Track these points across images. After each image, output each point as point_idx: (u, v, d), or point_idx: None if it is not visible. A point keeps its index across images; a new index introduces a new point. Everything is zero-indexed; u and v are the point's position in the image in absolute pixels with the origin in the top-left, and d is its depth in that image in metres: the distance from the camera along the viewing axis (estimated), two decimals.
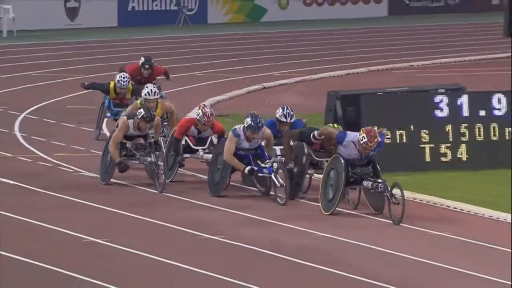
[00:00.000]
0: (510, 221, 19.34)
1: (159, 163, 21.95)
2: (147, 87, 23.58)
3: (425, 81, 34.18)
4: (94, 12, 52.08)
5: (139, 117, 21.69)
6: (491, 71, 39.08)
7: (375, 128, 19.72)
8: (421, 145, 24.66)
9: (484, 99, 25.49)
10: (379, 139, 19.08)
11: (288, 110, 21.86)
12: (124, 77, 25.87)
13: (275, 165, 20.98)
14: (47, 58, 43.50)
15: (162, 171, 21.76)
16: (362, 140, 18.82)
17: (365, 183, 19.07)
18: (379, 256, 17.07)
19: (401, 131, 24.79)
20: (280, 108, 22.09)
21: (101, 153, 22.59)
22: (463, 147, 24.41)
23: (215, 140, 22.66)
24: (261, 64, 42.35)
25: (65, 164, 24.39)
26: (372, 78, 37.25)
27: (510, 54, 40.59)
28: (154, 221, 19.33)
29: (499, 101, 25.48)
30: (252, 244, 17.49)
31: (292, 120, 21.99)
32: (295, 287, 15.70)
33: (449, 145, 24.56)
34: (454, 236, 18.11)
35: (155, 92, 23.63)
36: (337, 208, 19.30)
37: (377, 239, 17.88)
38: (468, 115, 25.09)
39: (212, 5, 52.91)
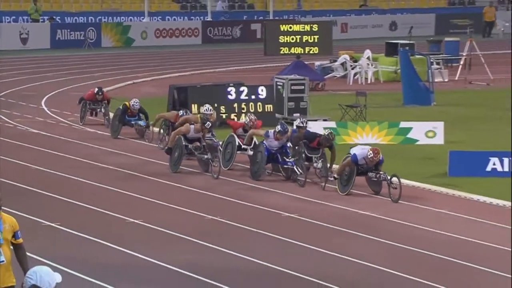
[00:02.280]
0: None
1: (215, 158, 23.28)
2: (204, 105, 25.39)
3: (222, 79, 36.63)
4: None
5: (205, 125, 23.50)
6: (257, 74, 40.11)
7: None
8: (221, 114, 28.89)
9: (254, 89, 30.26)
10: (380, 158, 21.05)
11: (303, 119, 23.78)
12: (136, 102, 27.94)
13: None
14: None
15: (216, 164, 22.95)
16: (369, 155, 20.94)
17: (369, 174, 21.25)
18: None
19: (213, 105, 26.45)
20: (298, 119, 24.05)
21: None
22: (243, 116, 27.62)
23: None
24: (132, 69, 44.78)
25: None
26: (195, 78, 39.12)
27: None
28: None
29: (262, 90, 30.10)
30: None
31: (307, 125, 23.34)
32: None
33: (235, 114, 29.18)
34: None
35: (211, 108, 25.11)
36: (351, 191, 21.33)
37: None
38: (246, 98, 29.87)
39: (104, 37, 54.98)
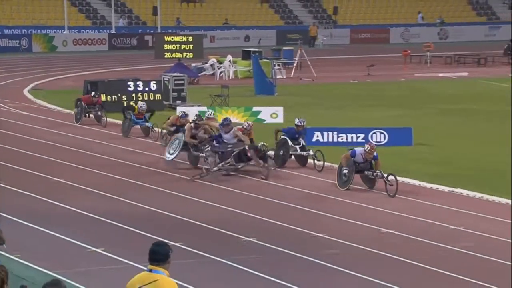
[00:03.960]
0: None
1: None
2: (208, 110, 23.62)
3: (123, 76, 34.90)
4: None
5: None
6: (149, 72, 37.68)
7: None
8: (123, 102, 27.57)
9: (147, 83, 29.17)
10: (375, 154, 17.83)
11: (301, 119, 20.74)
12: (143, 104, 24.82)
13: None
14: None
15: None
16: (367, 149, 17.81)
17: (366, 172, 17.95)
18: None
19: (117, 95, 28.23)
20: (296, 118, 20.95)
21: None
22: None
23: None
24: (56, 69, 43.37)
25: None
26: (103, 75, 37.35)
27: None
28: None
29: (153, 84, 29.26)
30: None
31: (304, 124, 20.74)
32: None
33: (134, 101, 27.24)
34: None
35: (213, 113, 22.80)
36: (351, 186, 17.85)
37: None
38: (141, 89, 28.99)
39: (34, 44, 54.17)
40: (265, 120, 27.19)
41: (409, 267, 12.92)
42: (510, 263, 12.75)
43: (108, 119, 26.05)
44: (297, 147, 20.37)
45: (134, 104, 25.50)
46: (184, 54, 35.83)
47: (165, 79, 31.08)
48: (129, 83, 29.81)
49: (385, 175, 17.56)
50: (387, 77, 40.06)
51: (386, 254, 13.47)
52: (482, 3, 65.55)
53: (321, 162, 19.65)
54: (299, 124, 20.61)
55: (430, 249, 13.80)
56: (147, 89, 29.76)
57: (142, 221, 15.23)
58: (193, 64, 40.61)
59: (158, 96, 29.93)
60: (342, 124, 24.46)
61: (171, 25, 59.57)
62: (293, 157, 20.48)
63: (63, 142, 23.61)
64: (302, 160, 20.48)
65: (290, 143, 20.32)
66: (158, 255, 7.43)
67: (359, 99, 32.53)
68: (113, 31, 58.09)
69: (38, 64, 46.52)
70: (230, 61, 41.25)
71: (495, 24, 62.94)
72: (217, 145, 19.51)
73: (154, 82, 30.19)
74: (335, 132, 22.79)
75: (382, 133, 22.60)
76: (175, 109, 27.34)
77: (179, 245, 13.23)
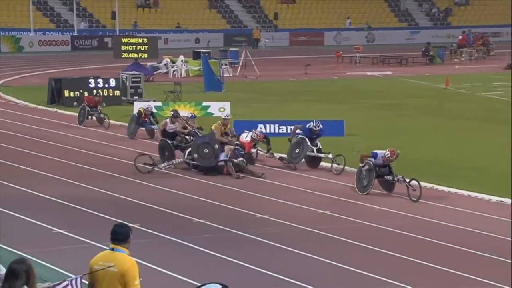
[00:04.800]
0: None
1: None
2: (225, 111, 22.34)
3: (85, 74, 33.67)
4: None
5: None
6: (109, 70, 34.20)
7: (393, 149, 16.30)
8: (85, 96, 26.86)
9: (107, 80, 28.98)
10: (396, 155, 16.06)
11: (317, 122, 18.60)
12: (149, 106, 23.11)
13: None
14: None
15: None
16: (387, 155, 16.02)
17: (386, 177, 16.12)
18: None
19: (79, 91, 27.80)
20: (312, 122, 18.71)
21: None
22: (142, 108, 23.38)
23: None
24: (23, 67, 42.59)
25: None
26: (67, 73, 36.18)
27: None
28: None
29: (112, 81, 29.02)
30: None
31: (320, 127, 18.55)
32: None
33: (94, 96, 26.00)
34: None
35: (229, 115, 20.35)
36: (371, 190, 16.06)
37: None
38: (101, 86, 28.55)
39: (3, 45, 53.20)
40: (213, 114, 26.97)
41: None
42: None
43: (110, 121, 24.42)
44: (314, 148, 18.26)
45: (141, 109, 22.90)
46: (140, 54, 35.34)
47: (123, 77, 30.62)
48: (90, 80, 29.37)
49: (407, 180, 15.74)
50: (322, 75, 40.29)
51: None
52: (403, 11, 66.71)
53: (341, 166, 17.58)
54: (315, 127, 18.39)
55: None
56: (106, 86, 29.28)
57: (105, 204, 15.13)
58: (148, 64, 40.06)
59: (117, 92, 29.50)
60: (283, 117, 24.44)
61: (129, 28, 58.91)
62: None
63: (31, 134, 23.28)
64: (314, 162, 18.26)
65: (308, 142, 18.08)
66: (119, 235, 7.44)
67: (297, 95, 32.72)
68: (75, 34, 57.21)
69: (6, 63, 45.62)
70: (182, 60, 40.78)
71: (415, 29, 63.97)
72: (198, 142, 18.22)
73: (113, 79, 29.73)
74: (276, 124, 22.74)
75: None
76: (132, 104, 27.06)
77: (137, 227, 13.19)
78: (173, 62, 40.98)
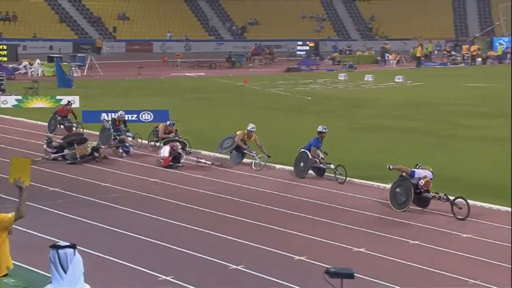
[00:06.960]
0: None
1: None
2: (249, 124, 16.21)
3: None
4: None
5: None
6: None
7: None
8: None
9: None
10: (428, 187, 12.63)
11: (324, 126, 15.30)
12: (122, 114, 18.72)
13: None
14: None
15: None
16: (421, 183, 12.57)
17: (425, 194, 12.67)
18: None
19: None
20: (320, 126, 15.22)
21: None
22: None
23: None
24: None
25: None
26: None
27: None
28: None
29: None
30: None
31: (327, 131, 15.21)
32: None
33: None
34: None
35: (254, 127, 16.18)
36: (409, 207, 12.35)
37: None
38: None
39: None
40: (61, 100, 25.26)
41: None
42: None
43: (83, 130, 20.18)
44: (320, 156, 15.05)
45: (115, 117, 18.79)
46: (1, 58, 34.58)
47: None
48: None
49: (452, 198, 12.22)
50: (152, 76, 39.44)
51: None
52: (211, 27, 68.23)
53: (343, 177, 14.32)
54: (323, 131, 15.14)
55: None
56: None
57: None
58: (10, 65, 37.99)
59: None
60: (123, 107, 22.40)
61: None
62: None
63: None
64: (320, 172, 15.08)
65: (310, 156, 14.75)
66: None
67: (132, 90, 31.79)
68: None
69: None
70: (38, 63, 38.99)
71: (220, 41, 64.94)
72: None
73: None
74: (116, 114, 20.69)
75: (149, 113, 22.76)
76: None
77: (2, 195, 11.96)
78: (31, 65, 39.17)
